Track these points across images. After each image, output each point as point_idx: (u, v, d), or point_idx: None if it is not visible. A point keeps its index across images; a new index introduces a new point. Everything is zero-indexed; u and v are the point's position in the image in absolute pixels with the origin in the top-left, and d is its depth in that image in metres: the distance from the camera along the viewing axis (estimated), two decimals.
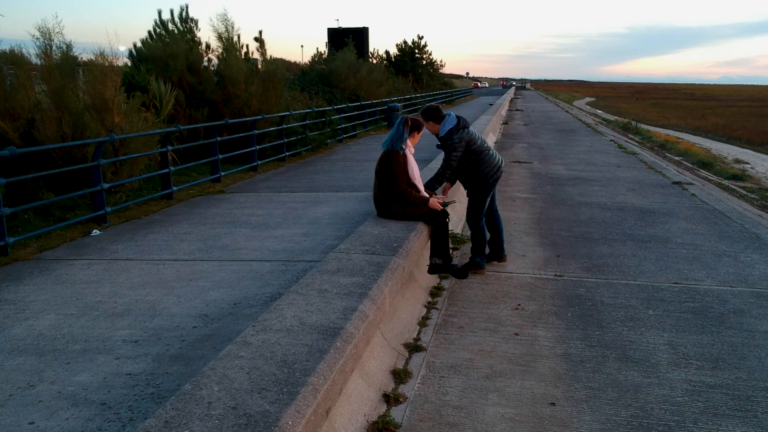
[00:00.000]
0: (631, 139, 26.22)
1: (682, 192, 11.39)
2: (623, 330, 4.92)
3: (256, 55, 16.74)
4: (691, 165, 19.06)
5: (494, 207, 6.73)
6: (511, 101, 55.24)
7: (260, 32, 16.78)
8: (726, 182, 15.87)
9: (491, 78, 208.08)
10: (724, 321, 5.14)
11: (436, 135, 6.44)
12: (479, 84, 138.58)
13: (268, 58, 16.82)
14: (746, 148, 29.05)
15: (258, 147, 13.66)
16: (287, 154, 15.23)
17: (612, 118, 47.00)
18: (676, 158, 20.48)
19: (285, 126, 15.14)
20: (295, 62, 48.14)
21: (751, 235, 8.22)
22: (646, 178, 13.03)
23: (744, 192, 14.28)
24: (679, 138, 30.36)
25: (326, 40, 43.32)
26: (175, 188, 10.32)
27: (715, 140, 32.79)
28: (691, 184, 12.55)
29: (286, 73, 19.15)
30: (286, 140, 15.18)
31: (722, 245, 7.63)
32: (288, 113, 15.36)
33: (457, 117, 6.39)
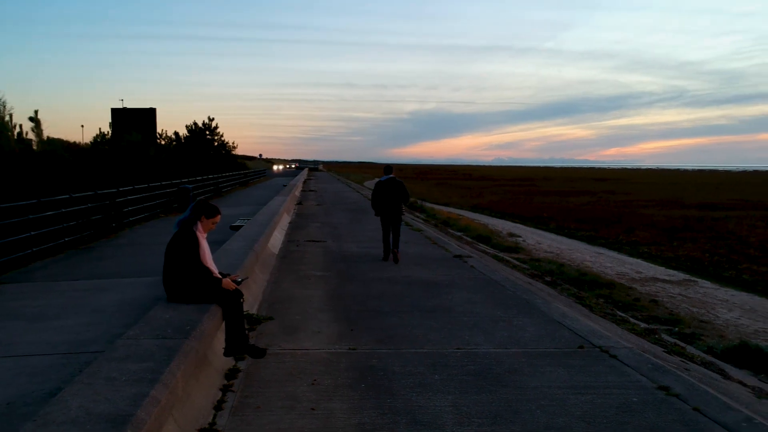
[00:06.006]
0: (417, 216, 27.84)
1: (462, 264, 12.31)
2: (413, 396, 5.20)
3: (32, 136, 15.75)
4: (470, 239, 20.64)
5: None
6: (305, 182, 56.46)
7: (36, 112, 15.92)
8: (502, 254, 17.37)
9: (284, 159, 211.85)
10: (500, 380, 5.62)
11: None
12: (293, 166, 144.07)
13: (45, 138, 15.89)
14: (518, 222, 32.07)
15: (34, 233, 12.67)
16: (67, 239, 14.27)
17: None
18: (457, 234, 22.07)
19: (65, 209, 14.24)
20: (75, 143, 45.60)
21: (522, 301, 9.09)
22: (431, 252, 13.91)
23: (517, 262, 15.73)
24: (460, 215, 32.77)
25: (110, 120, 41.77)
26: None
27: (491, 216, 35.82)
28: (471, 256, 13.61)
29: (66, 154, 18.12)
30: (66, 225, 14.24)
31: (498, 311, 8.35)
32: (68, 196, 14.49)
33: None
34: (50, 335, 6.72)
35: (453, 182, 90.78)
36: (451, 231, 22.87)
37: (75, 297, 8.71)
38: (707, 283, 15.76)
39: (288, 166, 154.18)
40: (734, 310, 12.54)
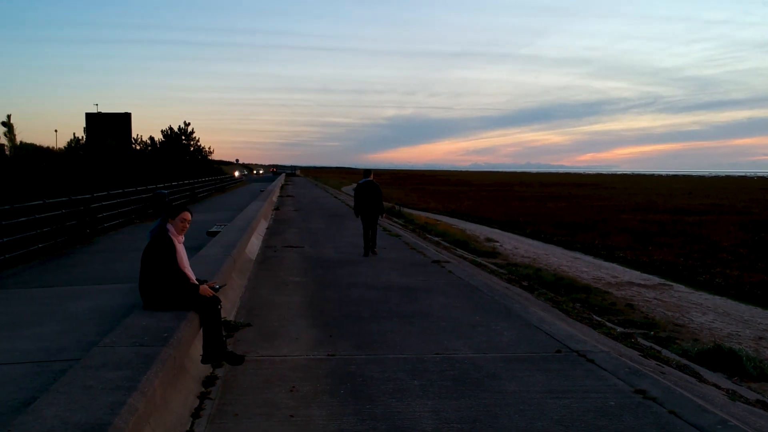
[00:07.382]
0: (395, 222, 27.85)
1: (440, 270, 12.32)
2: (392, 401, 5.19)
3: (4, 141, 15.54)
4: (448, 244, 20.71)
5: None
6: (282, 187, 56.22)
7: (8, 116, 15.70)
8: (479, 259, 17.45)
9: (260, 164, 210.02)
10: (479, 385, 5.63)
11: None
12: (260, 172, 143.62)
13: (18, 143, 15.68)
14: (495, 227, 32.24)
15: (6, 239, 12.49)
16: (41, 246, 14.08)
17: None
18: (435, 239, 22.13)
19: (39, 215, 14.05)
20: (49, 147, 45.03)
21: (500, 305, 9.13)
22: (408, 258, 13.91)
23: (494, 267, 15.81)
24: (438, 220, 32.87)
25: (84, 125, 41.34)
26: None
27: (469, 221, 35.98)
28: (449, 262, 13.64)
29: (40, 159, 17.89)
30: (39, 231, 14.05)
31: (476, 316, 8.37)
32: (41, 202, 14.30)
33: None
34: (23, 343, 6.61)
35: (431, 187, 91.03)
36: (429, 236, 22.92)
37: (48, 304, 8.59)
38: (682, 287, 15.97)
39: (255, 172, 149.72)
40: (708, 313, 12.71)
